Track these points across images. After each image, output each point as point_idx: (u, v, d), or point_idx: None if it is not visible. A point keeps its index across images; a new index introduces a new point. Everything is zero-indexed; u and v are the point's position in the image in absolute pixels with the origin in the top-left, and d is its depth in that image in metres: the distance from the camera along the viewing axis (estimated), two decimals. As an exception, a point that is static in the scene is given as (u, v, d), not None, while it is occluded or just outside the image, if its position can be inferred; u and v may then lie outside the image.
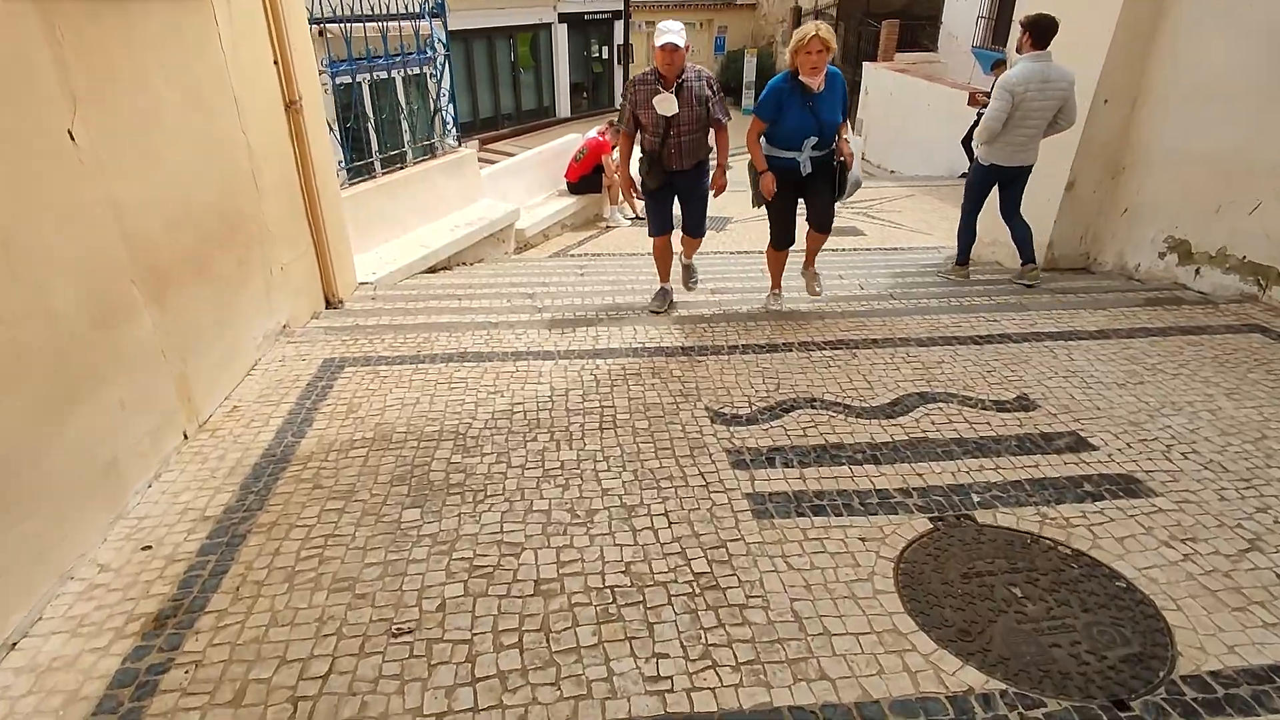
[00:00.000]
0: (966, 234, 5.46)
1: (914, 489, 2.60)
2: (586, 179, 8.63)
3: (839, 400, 3.22)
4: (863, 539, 2.34)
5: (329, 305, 4.64)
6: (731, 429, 2.98)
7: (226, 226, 3.23)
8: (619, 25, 20.78)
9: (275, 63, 3.87)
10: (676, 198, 4.20)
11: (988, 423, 3.04)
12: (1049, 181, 5.53)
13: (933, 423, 3.04)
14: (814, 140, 3.89)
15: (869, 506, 2.50)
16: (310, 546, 2.29)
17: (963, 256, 5.58)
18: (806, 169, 3.93)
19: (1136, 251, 5.35)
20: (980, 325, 4.08)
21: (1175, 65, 4.86)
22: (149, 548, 2.30)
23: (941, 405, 3.17)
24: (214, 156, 3.16)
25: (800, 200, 4.22)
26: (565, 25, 19.36)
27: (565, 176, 8.78)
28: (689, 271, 4.58)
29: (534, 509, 2.47)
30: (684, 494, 2.55)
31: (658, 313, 4.26)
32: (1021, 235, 5.17)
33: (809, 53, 3.69)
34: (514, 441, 2.87)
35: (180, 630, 1.98)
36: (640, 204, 4.38)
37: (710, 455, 2.79)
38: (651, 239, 4.38)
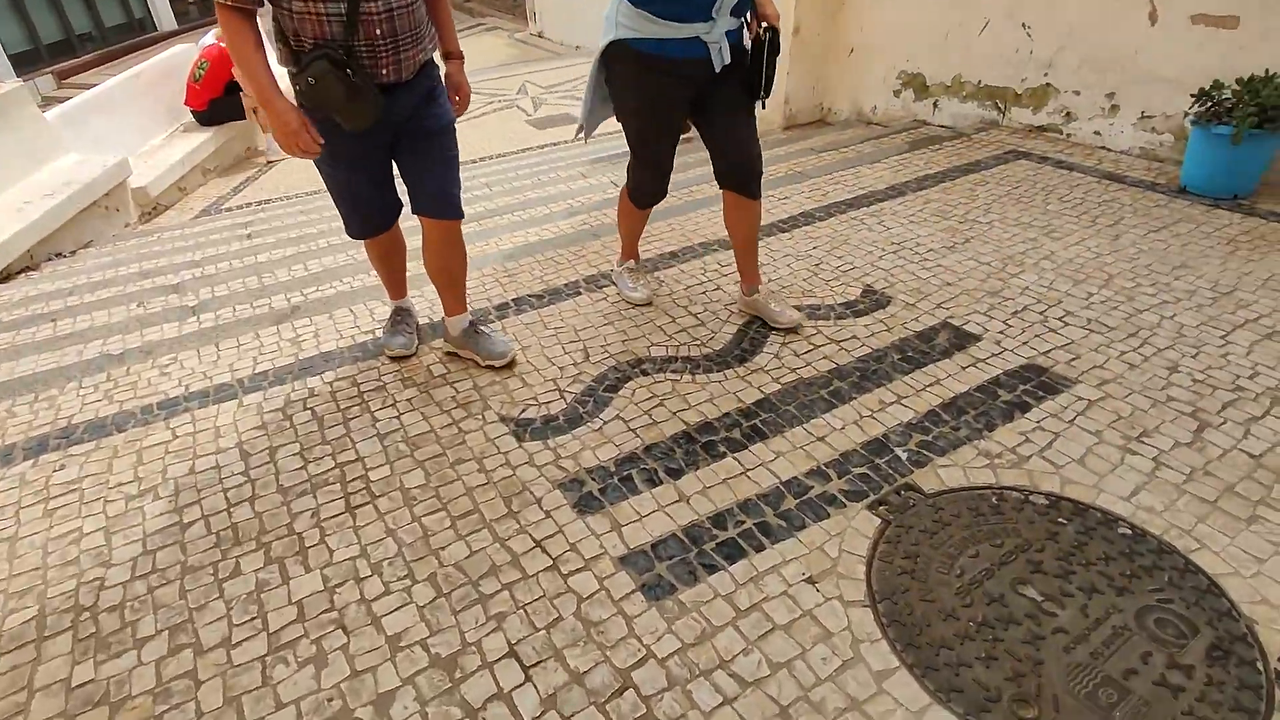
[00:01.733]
0: None
1: (826, 464, 1.88)
2: (219, 103, 6.48)
3: (673, 353, 2.37)
4: (811, 579, 1.57)
5: None
6: (551, 443, 2.00)
7: None
8: (209, -98, 16.52)
9: None
10: (393, 149, 2.09)
11: (854, 335, 2.41)
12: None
13: (796, 354, 2.33)
14: None
15: (790, 517, 1.72)
16: None
17: None
18: (724, 60, 2.08)
19: (870, 94, 5.09)
20: (775, 207, 3.45)
21: (884, -123, 4.42)
22: None
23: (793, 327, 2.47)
24: None
25: (694, 126, 2.31)
26: (132, -95, 14.83)
27: (187, 104, 6.52)
28: (472, 336, 2.36)
29: (270, 738, 1.32)
30: (527, 598, 1.56)
31: (405, 356, 2.41)
32: None
33: None
34: (198, 589, 1.62)
35: None
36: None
37: (540, 502, 1.80)
38: (360, 241, 2.29)
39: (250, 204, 5.37)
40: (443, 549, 1.68)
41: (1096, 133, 3.90)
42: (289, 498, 1.85)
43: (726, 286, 2.75)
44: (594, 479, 1.86)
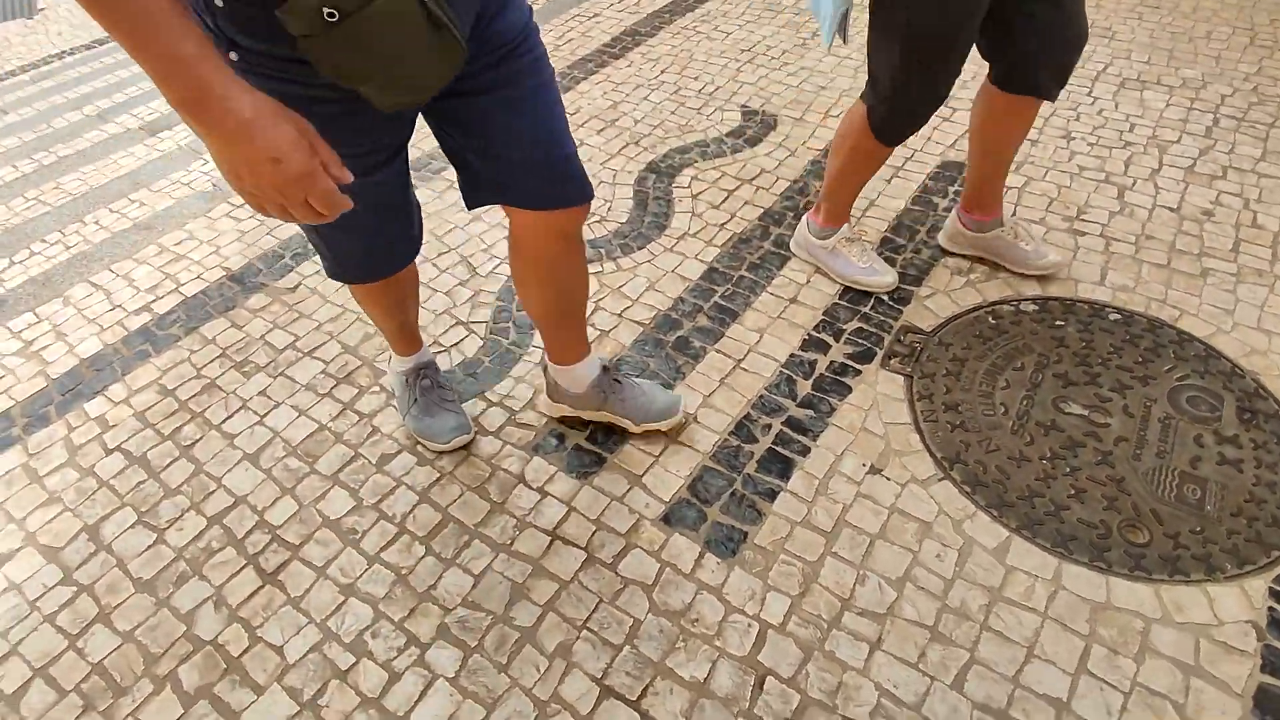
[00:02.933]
0: None
1: (815, 330, 1.65)
2: None
3: (575, 238, 1.93)
4: (874, 468, 1.38)
5: None
6: (491, 395, 1.56)
7: None
8: None
9: None
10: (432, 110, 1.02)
11: (762, 170, 2.12)
12: None
13: (714, 206, 2.00)
14: None
15: (814, 404, 1.50)
16: None
17: None
18: None
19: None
20: (590, 29, 2.91)
21: None
22: None
23: (684, 172, 2.12)
24: None
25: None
26: None
27: None
28: (610, 386, 1.41)
29: None
30: (582, 613, 1.21)
31: (460, 446, 1.43)
32: None
33: None
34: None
35: None
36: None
37: (524, 480, 1.40)
38: (355, 286, 1.28)
39: None
40: (434, 587, 1.25)
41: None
42: (163, 594, 1.26)
43: (590, 139, 2.28)
44: (573, 427, 1.48)
